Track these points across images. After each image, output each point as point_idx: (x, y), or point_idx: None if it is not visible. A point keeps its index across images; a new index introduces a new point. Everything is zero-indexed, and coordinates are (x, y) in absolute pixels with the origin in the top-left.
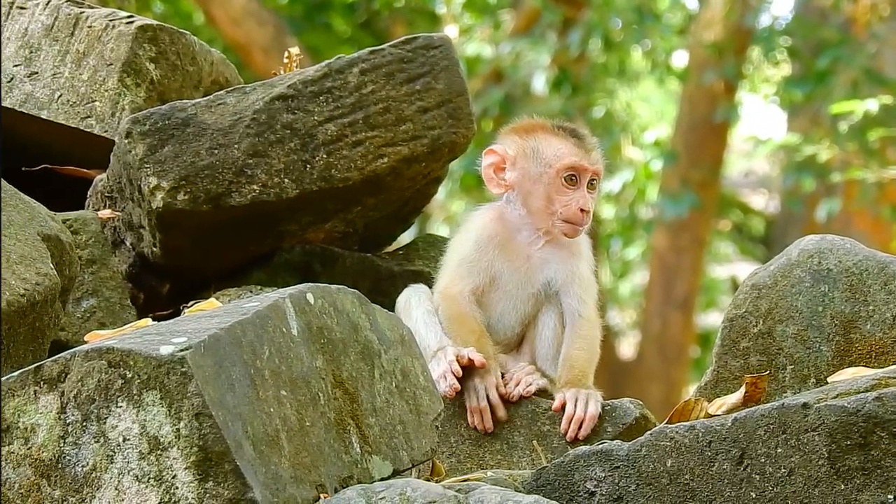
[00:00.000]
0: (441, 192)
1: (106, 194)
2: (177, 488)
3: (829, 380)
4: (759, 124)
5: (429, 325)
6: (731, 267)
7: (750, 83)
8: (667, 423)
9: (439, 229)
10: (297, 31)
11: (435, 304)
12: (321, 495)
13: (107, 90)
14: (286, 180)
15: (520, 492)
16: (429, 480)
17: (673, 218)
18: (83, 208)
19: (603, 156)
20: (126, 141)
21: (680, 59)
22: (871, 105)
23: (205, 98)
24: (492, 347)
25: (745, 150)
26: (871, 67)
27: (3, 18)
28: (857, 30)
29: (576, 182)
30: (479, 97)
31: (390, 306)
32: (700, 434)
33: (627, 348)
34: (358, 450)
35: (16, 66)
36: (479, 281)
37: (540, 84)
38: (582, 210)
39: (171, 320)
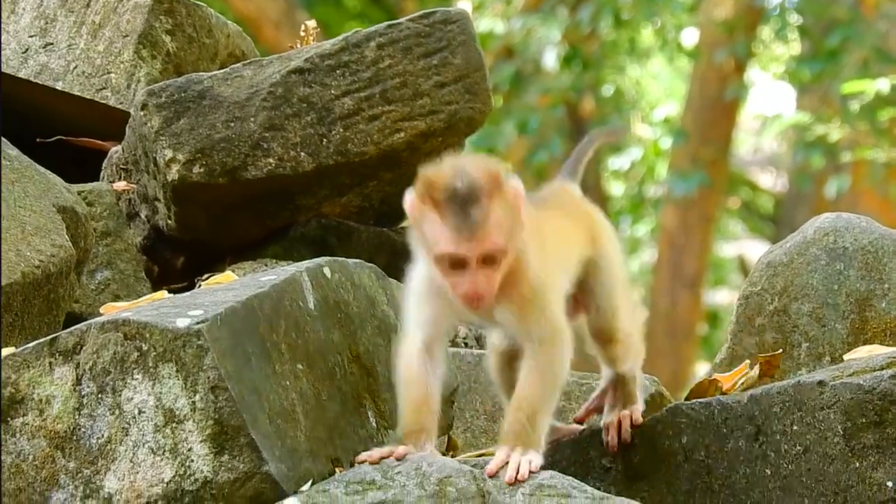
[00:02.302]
0: None
1: (121, 166)
2: (192, 461)
3: (844, 357)
4: (769, 102)
5: None
6: (740, 245)
7: (760, 61)
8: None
9: None
10: (307, 6)
11: None
12: (337, 469)
13: (122, 62)
14: (302, 154)
15: None
16: (444, 455)
17: (682, 196)
18: (98, 180)
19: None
20: (142, 113)
21: (690, 36)
22: (882, 85)
23: (221, 71)
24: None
25: (754, 128)
26: (881, 47)
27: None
28: (867, 9)
29: (462, 265)
30: (490, 73)
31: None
32: (716, 411)
33: None
34: (374, 424)
35: (31, 37)
36: (432, 332)
37: (550, 60)
38: (468, 294)
39: (187, 293)
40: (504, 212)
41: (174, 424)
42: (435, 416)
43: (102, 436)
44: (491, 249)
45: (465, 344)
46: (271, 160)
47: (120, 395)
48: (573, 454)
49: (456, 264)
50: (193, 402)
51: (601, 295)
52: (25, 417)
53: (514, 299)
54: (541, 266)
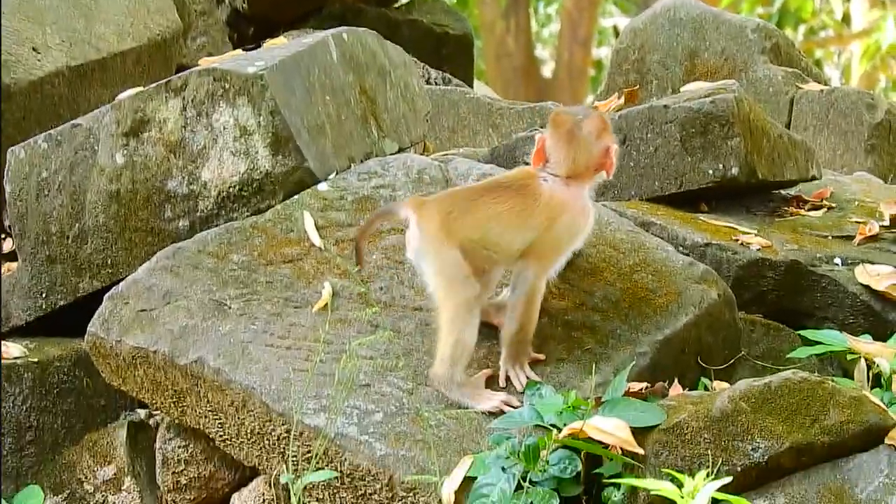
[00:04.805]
0: None
1: None
2: (258, 161)
3: (680, 90)
4: None
5: None
6: (615, 19)
7: None
8: None
9: None
10: None
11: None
12: (352, 164)
13: None
14: None
15: (480, 162)
16: (422, 155)
17: None
18: None
19: None
20: None
21: None
22: None
23: None
24: None
25: None
26: None
27: None
28: None
29: None
30: None
31: (397, 42)
32: None
33: (548, 71)
34: (376, 135)
35: None
36: None
37: None
38: None
39: (255, 51)
40: None
41: (246, 136)
42: None
43: (200, 144)
44: None
45: (436, 82)
46: None
47: (211, 117)
48: (505, 152)
49: None
50: (259, 121)
51: None
52: (150, 132)
53: None
54: None
